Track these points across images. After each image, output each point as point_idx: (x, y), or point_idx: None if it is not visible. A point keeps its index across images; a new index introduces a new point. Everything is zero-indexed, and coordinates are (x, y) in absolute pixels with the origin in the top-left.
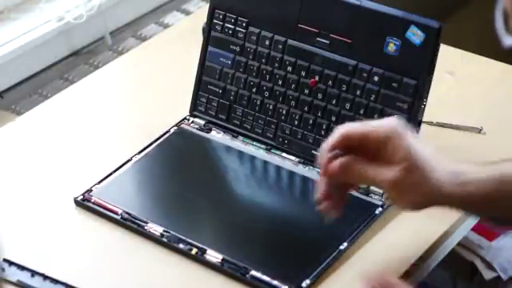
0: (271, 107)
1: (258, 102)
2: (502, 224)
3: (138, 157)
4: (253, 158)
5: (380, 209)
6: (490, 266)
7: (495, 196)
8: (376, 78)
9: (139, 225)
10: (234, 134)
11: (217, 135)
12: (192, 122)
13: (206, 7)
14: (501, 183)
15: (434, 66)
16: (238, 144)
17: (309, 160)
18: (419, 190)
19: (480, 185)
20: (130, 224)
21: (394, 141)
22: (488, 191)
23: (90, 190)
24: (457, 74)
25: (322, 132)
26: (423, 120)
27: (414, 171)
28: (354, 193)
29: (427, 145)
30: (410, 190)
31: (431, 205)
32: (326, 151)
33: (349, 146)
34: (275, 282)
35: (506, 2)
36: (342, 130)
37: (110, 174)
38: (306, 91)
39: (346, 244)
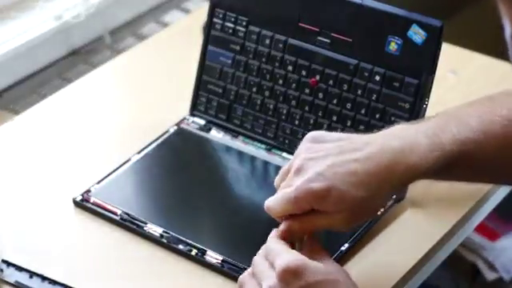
0: (272, 107)
1: (259, 102)
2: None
3: (138, 157)
4: (253, 158)
5: (381, 209)
6: (492, 267)
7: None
8: (377, 78)
9: (138, 225)
10: (234, 134)
11: (217, 135)
12: (192, 121)
13: (205, 6)
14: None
15: (436, 65)
16: (238, 144)
17: None
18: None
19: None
20: (129, 225)
21: None
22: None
23: (88, 191)
24: (459, 72)
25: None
26: None
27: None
28: None
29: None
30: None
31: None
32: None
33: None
34: None
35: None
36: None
37: (109, 175)
38: (307, 91)
39: (347, 245)
